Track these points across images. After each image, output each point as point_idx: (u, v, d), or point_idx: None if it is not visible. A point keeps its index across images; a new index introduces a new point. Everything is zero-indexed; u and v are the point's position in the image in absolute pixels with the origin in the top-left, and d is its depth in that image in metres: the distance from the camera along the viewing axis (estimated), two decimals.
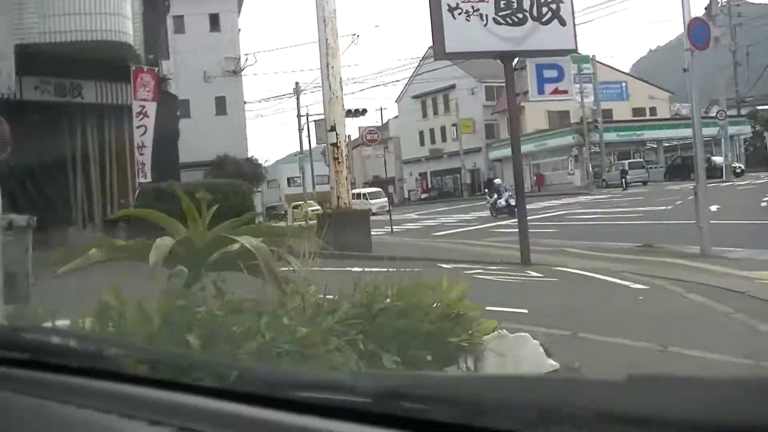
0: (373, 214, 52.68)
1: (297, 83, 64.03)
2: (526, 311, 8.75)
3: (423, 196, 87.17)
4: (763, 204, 25.70)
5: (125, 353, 1.95)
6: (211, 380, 1.60)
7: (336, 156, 18.42)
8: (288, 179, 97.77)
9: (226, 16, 43.07)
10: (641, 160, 66.07)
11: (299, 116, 61.27)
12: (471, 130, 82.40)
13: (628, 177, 59.55)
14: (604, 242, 18.97)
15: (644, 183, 59.85)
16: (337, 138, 18.38)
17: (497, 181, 42.71)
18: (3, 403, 1.79)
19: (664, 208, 29.13)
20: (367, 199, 62.18)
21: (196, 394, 1.56)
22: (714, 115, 56.44)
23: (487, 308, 5.21)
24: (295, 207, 75.47)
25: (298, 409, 1.38)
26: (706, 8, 53.99)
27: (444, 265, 13.49)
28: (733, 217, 22.60)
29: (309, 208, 72.94)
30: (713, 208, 25.46)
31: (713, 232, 15.01)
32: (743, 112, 77.57)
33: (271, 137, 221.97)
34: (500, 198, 38.05)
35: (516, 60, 15.53)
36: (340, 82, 18.59)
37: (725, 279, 11.38)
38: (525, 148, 71.81)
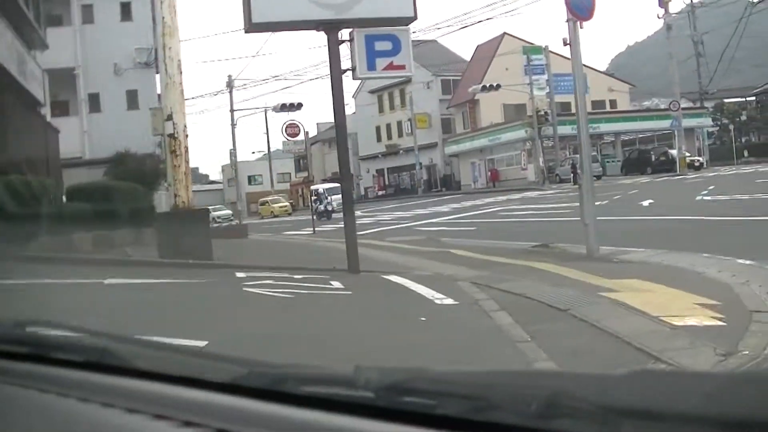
0: (331, 212, 51.59)
1: (230, 76, 61.61)
2: (205, 343, 6.67)
3: (380, 193, 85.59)
4: (699, 198, 24.27)
5: (128, 347, 1.93)
6: (215, 375, 1.59)
7: (173, 148, 16.00)
8: (249, 177, 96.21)
9: (138, 4, 40.50)
10: (595, 153, 63.83)
11: (232, 111, 59.04)
12: (427, 125, 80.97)
13: (579, 172, 57.09)
14: (505, 242, 18.29)
15: (598, 177, 57.68)
16: (174, 128, 15.94)
17: (321, 187, 47.30)
18: (6, 397, 1.77)
19: (599, 203, 27.42)
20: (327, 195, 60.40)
21: (200, 388, 1.55)
22: (668, 106, 54.53)
23: (163, 340, 4.28)
24: (263, 204, 74.31)
25: (302, 404, 1.38)
26: None
27: (239, 274, 13.12)
28: (660, 212, 21.74)
29: (277, 205, 71.34)
30: (646, 203, 24.87)
31: (627, 229, 14.93)
32: (711, 105, 76.43)
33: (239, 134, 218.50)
34: (321, 204, 42.43)
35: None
36: (179, 66, 16.15)
37: (574, 289, 9.64)
38: (479, 142, 71.03)
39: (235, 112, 61.11)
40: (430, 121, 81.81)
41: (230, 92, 59.97)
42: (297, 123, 34.83)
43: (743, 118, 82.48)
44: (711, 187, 28.86)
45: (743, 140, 79.91)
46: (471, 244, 17.89)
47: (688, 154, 59.88)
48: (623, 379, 1.16)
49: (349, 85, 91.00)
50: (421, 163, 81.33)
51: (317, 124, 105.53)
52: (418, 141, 79.66)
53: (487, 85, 59.39)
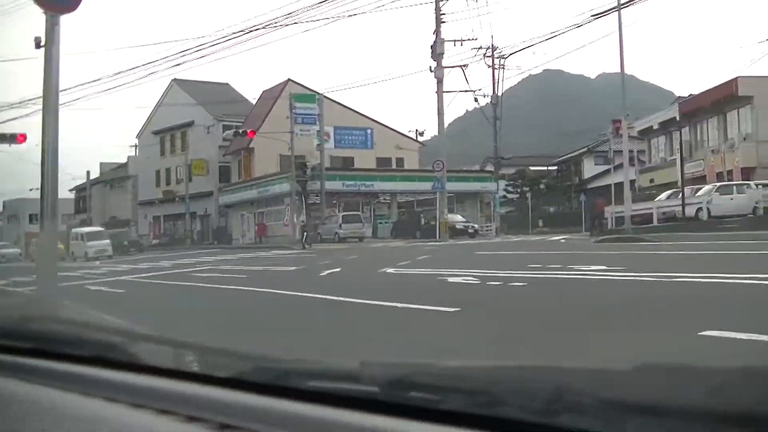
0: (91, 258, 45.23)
1: None
2: None
3: (154, 241, 78.63)
4: (386, 270, 20.41)
5: (132, 342, 1.93)
6: (219, 370, 1.59)
7: None
8: (30, 216, 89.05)
9: None
10: (358, 213, 59.04)
11: None
12: (204, 171, 75.23)
13: (340, 232, 52.64)
14: None
15: (360, 239, 52.84)
16: None
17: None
18: (10, 392, 1.77)
19: (295, 267, 25.38)
20: (84, 240, 54.19)
21: (204, 383, 1.55)
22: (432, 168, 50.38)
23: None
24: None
25: (307, 399, 1.38)
26: (431, 47, 47.26)
27: None
28: (305, 286, 16.86)
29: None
30: (326, 272, 20.97)
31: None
32: (512, 171, 74.46)
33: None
34: None
35: None
36: None
37: None
38: (248, 194, 65.26)
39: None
40: (208, 168, 76.13)
41: None
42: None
43: (542, 186, 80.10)
44: (424, 257, 26.27)
45: (548, 209, 77.47)
46: None
47: (461, 219, 56.04)
48: (628, 374, 1.19)
49: (135, 123, 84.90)
50: (195, 213, 75.50)
51: (101, 163, 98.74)
52: (196, 188, 74.37)
53: (240, 131, 54.01)
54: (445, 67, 51.41)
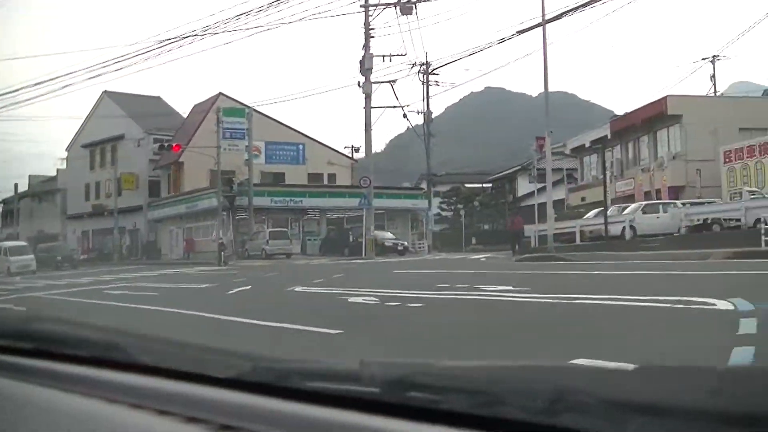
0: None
1: None
2: None
3: (83, 256, 76.86)
4: (294, 289, 19.73)
5: (132, 343, 1.93)
6: (219, 370, 1.59)
7: None
8: None
9: None
10: (286, 229, 58.13)
11: None
12: (134, 186, 73.66)
13: (267, 248, 51.77)
14: None
15: (288, 256, 52.04)
16: None
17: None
18: (12, 393, 1.78)
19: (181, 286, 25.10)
20: (6, 255, 52.33)
21: (204, 384, 1.56)
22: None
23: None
24: None
25: (307, 399, 1.39)
26: (360, 61, 46.81)
27: None
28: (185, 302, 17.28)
29: None
30: (235, 290, 20.68)
31: None
32: (446, 188, 74.54)
33: None
34: None
35: None
36: None
37: None
38: (177, 209, 64.12)
39: None
40: (138, 182, 74.76)
41: None
42: None
43: (476, 203, 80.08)
44: (340, 275, 25.71)
45: (482, 227, 77.39)
46: None
47: (391, 236, 55.69)
48: (629, 374, 1.19)
49: (65, 134, 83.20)
50: (124, 228, 74.30)
51: (30, 176, 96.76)
52: (126, 203, 73.43)
53: (165, 145, 53.05)
54: (374, 83, 50.97)
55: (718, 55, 69.82)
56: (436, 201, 70.95)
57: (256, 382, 1.48)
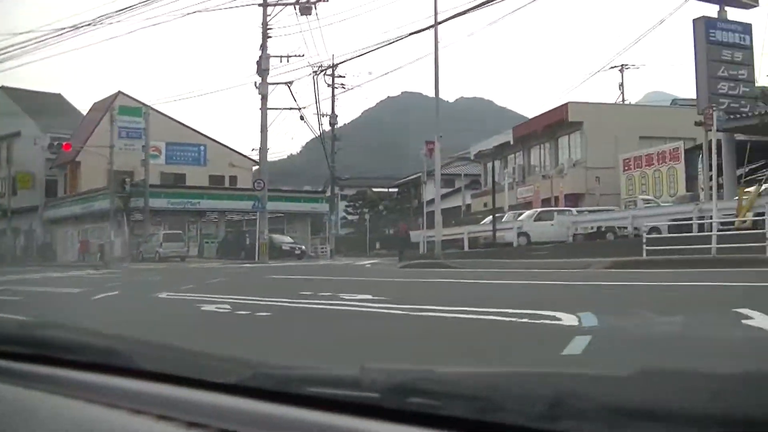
0: None
1: None
2: None
3: None
4: (159, 295, 18.81)
5: (133, 348, 1.92)
6: (219, 376, 1.58)
7: None
8: None
9: None
10: (180, 232, 56.96)
11: None
12: (29, 185, 71.32)
13: (161, 251, 50.65)
14: None
15: (182, 258, 50.91)
16: None
17: None
18: (11, 399, 1.76)
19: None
20: None
21: (204, 389, 1.55)
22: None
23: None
24: None
25: (307, 405, 1.38)
26: (257, 62, 45.91)
27: None
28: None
29: None
30: (101, 295, 19.40)
31: None
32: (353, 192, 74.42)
33: None
34: None
35: None
36: None
37: None
38: (71, 210, 62.29)
39: None
40: (34, 182, 72.54)
41: None
42: None
43: (381, 208, 79.70)
44: (218, 280, 25.44)
45: (386, 231, 76.98)
46: None
47: (289, 240, 55.14)
48: (629, 379, 1.19)
49: None
50: (19, 229, 72.20)
51: None
52: (21, 203, 71.19)
53: (55, 144, 51.50)
54: (270, 84, 50.04)
55: (626, 65, 70.72)
56: (343, 205, 70.41)
57: (256, 387, 1.46)
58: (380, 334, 9.93)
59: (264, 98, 49.09)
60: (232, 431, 1.36)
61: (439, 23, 35.25)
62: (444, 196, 47.14)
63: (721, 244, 23.51)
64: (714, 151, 27.27)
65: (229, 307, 14.39)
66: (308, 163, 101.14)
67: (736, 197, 28.52)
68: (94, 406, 1.59)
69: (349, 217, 77.92)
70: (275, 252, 49.78)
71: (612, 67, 70.34)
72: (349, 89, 71.04)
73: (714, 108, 29.43)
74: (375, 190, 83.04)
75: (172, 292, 19.51)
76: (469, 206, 64.00)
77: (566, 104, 50.94)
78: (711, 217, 26.14)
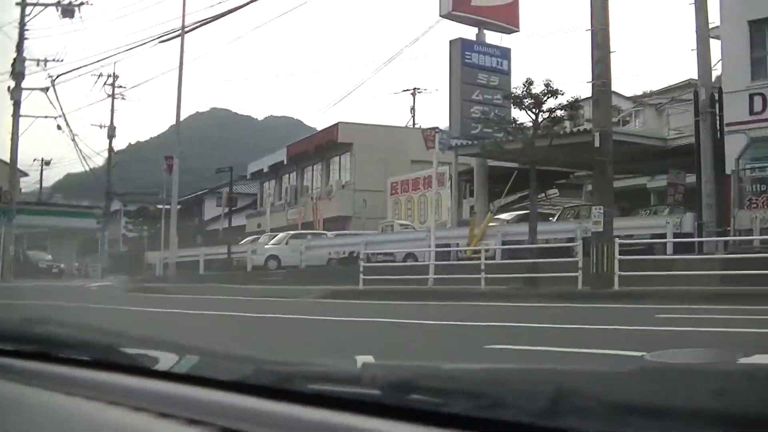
0: None
1: None
2: None
3: None
4: None
5: (133, 345, 1.93)
6: (220, 373, 1.58)
7: None
8: None
9: None
10: None
11: None
12: None
13: None
14: None
15: None
16: None
17: None
18: (13, 396, 1.74)
19: None
20: None
21: (205, 386, 1.53)
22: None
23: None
24: None
25: (308, 402, 1.37)
26: (12, 65, 42.76)
27: None
28: None
29: None
30: None
31: None
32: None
33: None
34: None
35: None
36: None
37: None
38: None
39: None
40: None
41: None
42: None
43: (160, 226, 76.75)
44: None
45: None
46: None
47: (48, 257, 52.04)
48: (629, 376, 1.23)
49: None
50: None
51: None
52: None
53: None
54: (24, 89, 46.96)
55: (419, 88, 71.28)
56: (123, 221, 67.64)
57: (257, 384, 1.44)
58: None
59: (17, 104, 46.06)
60: (233, 429, 1.33)
61: (186, 32, 33.79)
62: (230, 214, 45.36)
63: (444, 275, 22.79)
64: (455, 176, 26.73)
65: None
66: (135, 174, 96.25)
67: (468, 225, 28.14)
68: (95, 403, 1.55)
69: (129, 235, 74.80)
70: (33, 270, 46.58)
71: (404, 90, 70.67)
72: (129, 100, 68.01)
73: (437, 131, 29.21)
74: (159, 207, 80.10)
75: None
76: (243, 227, 62.45)
77: (336, 124, 50.06)
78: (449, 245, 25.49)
